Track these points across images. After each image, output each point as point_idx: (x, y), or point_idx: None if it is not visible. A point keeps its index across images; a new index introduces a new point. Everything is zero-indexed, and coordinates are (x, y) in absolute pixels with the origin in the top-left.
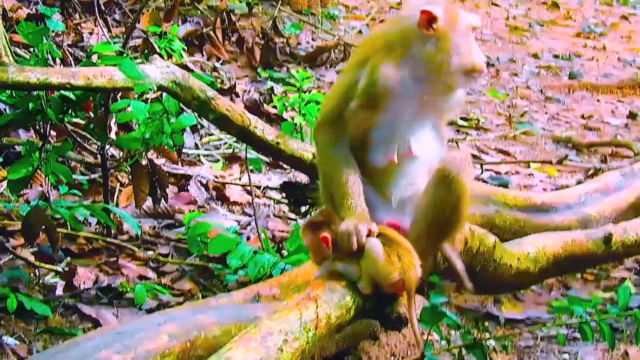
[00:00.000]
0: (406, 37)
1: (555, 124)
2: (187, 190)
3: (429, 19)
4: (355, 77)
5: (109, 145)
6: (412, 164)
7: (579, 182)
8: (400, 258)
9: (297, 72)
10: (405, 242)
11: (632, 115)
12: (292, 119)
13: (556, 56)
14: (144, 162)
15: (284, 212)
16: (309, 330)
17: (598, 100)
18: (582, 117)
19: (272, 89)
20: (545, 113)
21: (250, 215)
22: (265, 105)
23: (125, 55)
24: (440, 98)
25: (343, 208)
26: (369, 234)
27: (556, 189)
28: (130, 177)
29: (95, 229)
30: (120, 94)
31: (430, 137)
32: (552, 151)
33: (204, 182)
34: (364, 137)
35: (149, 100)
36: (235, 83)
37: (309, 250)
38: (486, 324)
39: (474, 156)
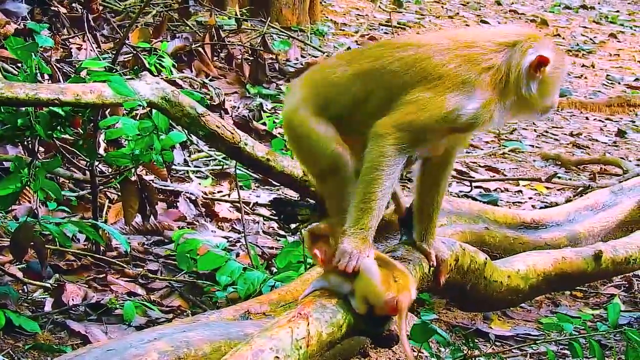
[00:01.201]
0: (515, 74)
1: (544, 142)
2: (177, 207)
3: (540, 62)
4: (457, 100)
5: (98, 162)
6: None
7: (568, 200)
8: (395, 280)
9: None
10: (400, 266)
11: (620, 133)
12: (282, 135)
13: None
14: (133, 178)
15: (273, 228)
16: (300, 347)
17: (587, 118)
18: (571, 134)
19: (261, 105)
20: (534, 130)
21: (239, 232)
22: (254, 122)
23: (114, 71)
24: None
25: (355, 223)
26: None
27: (545, 207)
28: (120, 194)
29: (84, 245)
30: (109, 110)
31: None
32: (541, 169)
33: (193, 198)
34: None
35: (139, 117)
36: (224, 99)
37: (312, 257)
38: (476, 340)
39: (463, 173)
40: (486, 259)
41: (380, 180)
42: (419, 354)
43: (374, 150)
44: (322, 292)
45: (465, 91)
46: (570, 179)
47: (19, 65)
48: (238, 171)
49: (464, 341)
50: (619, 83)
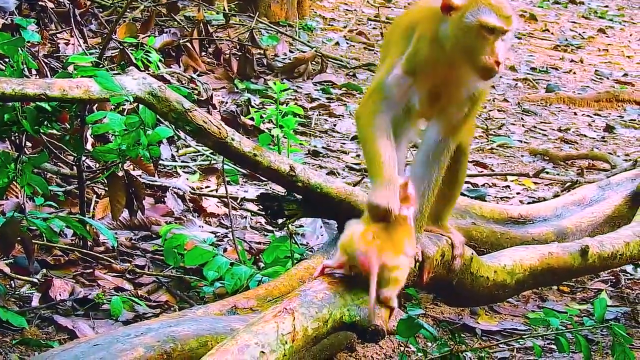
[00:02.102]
0: (435, 16)
1: (532, 137)
2: (164, 202)
3: (447, 5)
4: (404, 46)
5: (85, 157)
6: None
7: (555, 195)
8: (375, 239)
9: (275, 83)
10: (400, 232)
11: (608, 128)
12: (270, 130)
13: (533, 69)
14: (120, 173)
15: (260, 224)
16: (286, 342)
17: (575, 113)
18: (559, 129)
19: (249, 100)
20: (523, 126)
21: (227, 227)
22: (242, 117)
23: (101, 66)
24: (459, 88)
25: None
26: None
27: (533, 202)
28: (107, 189)
29: (72, 240)
30: (96, 105)
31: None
32: (529, 164)
33: (181, 193)
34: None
35: (126, 112)
36: (212, 94)
37: None
38: (463, 335)
39: None
40: (472, 254)
41: (365, 139)
42: (406, 348)
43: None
44: (308, 287)
45: (408, 34)
46: (558, 174)
47: (6, 60)
48: (226, 166)
49: (450, 336)
50: (608, 78)
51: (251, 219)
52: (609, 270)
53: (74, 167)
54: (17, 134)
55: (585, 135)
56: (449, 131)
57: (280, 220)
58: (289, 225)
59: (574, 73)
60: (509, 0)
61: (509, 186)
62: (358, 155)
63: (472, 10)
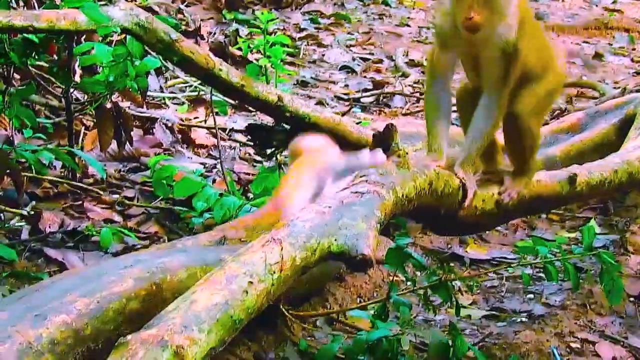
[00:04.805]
0: None
1: None
2: (153, 134)
3: None
4: None
5: (73, 89)
6: None
7: (545, 123)
8: None
9: (262, 13)
10: None
11: (597, 56)
12: (257, 61)
13: None
14: (108, 105)
15: (249, 154)
16: (274, 272)
17: (564, 41)
18: None
19: (237, 31)
20: None
21: (215, 158)
22: (230, 48)
23: None
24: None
25: None
26: None
27: None
28: (95, 121)
29: (61, 172)
30: (84, 36)
31: None
32: None
33: (170, 125)
34: None
35: (114, 43)
36: (200, 25)
37: None
38: (452, 264)
39: None
40: (460, 182)
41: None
42: (395, 278)
43: None
44: (296, 216)
45: None
46: None
47: None
48: (214, 97)
49: (439, 265)
50: (597, 6)
51: (240, 149)
52: (599, 198)
53: (62, 99)
54: (4, 66)
55: (574, 63)
56: (492, 91)
57: (268, 151)
58: (278, 156)
59: (563, 1)
60: None
61: None
62: (346, 85)
63: None
